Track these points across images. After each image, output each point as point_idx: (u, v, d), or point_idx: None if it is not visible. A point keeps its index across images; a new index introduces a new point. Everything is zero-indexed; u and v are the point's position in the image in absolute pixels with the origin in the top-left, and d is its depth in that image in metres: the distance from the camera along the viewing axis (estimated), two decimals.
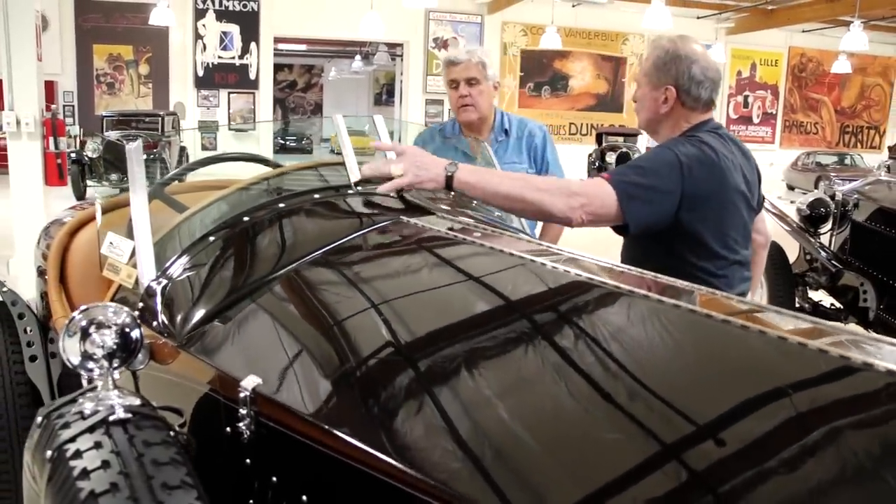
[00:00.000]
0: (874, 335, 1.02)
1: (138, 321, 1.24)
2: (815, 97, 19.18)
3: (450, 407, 0.97)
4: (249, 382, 1.08)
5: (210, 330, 1.37)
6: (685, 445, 0.82)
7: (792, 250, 4.57)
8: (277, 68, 19.54)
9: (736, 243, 1.86)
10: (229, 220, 1.69)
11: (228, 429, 1.11)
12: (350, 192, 1.76)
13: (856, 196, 4.22)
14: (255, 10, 13.85)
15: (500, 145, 2.73)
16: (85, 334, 1.17)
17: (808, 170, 15.75)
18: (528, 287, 1.30)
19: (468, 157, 2.58)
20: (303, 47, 23.80)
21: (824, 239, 4.48)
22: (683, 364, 1.00)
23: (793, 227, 4.36)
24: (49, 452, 1.01)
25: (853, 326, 3.76)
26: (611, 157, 14.34)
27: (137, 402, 1.10)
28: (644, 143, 15.38)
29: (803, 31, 17.65)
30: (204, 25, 13.67)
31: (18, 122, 5.27)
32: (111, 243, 1.66)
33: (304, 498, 1.00)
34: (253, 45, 13.94)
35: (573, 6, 15.51)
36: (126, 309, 1.24)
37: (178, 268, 1.58)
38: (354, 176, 1.78)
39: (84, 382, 1.30)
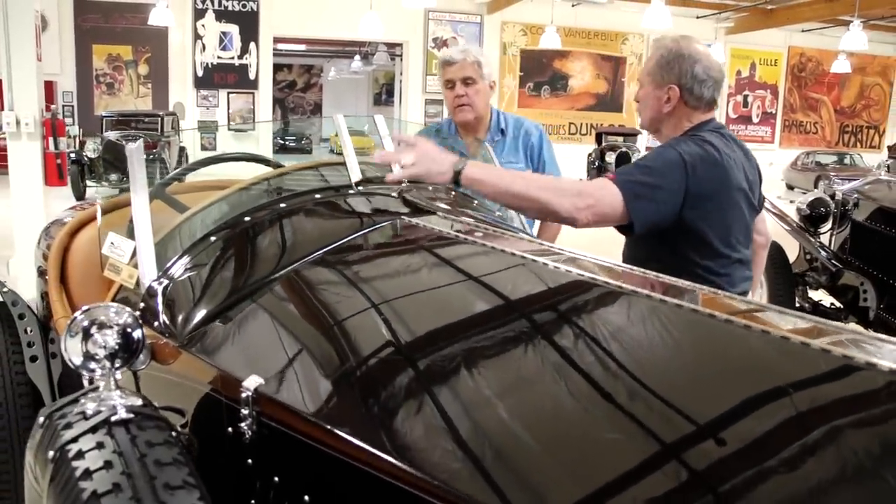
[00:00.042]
0: (876, 334, 1.02)
1: (140, 321, 1.24)
2: (815, 97, 19.19)
3: (452, 407, 0.97)
4: (251, 382, 1.08)
5: (211, 330, 1.37)
6: (689, 445, 0.82)
7: (792, 250, 4.57)
8: (277, 68, 19.54)
9: (738, 242, 1.87)
10: (230, 220, 1.69)
11: (230, 429, 1.11)
12: (351, 192, 1.76)
13: (856, 195, 4.22)
14: (255, 10, 13.85)
15: (496, 145, 2.73)
16: (87, 335, 1.17)
17: (808, 169, 15.75)
18: (529, 287, 1.30)
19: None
20: (302, 47, 23.81)
21: (824, 239, 4.48)
22: (686, 364, 1.01)
23: (793, 227, 4.36)
24: (51, 453, 1.01)
25: (854, 326, 3.76)
26: (610, 157, 14.34)
27: (139, 402, 1.10)
28: (644, 142, 15.40)
29: (803, 31, 17.66)
30: (203, 25, 13.67)
31: (18, 123, 5.27)
32: (112, 244, 1.66)
33: (307, 498, 1.00)
34: (252, 45, 13.94)
35: (573, 6, 15.50)
36: (128, 309, 1.24)
37: (179, 268, 1.58)
38: (355, 176, 1.78)
39: (85, 383, 1.30)
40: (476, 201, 2.06)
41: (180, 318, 1.45)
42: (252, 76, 14.09)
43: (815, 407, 0.86)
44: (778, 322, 1.07)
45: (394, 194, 1.76)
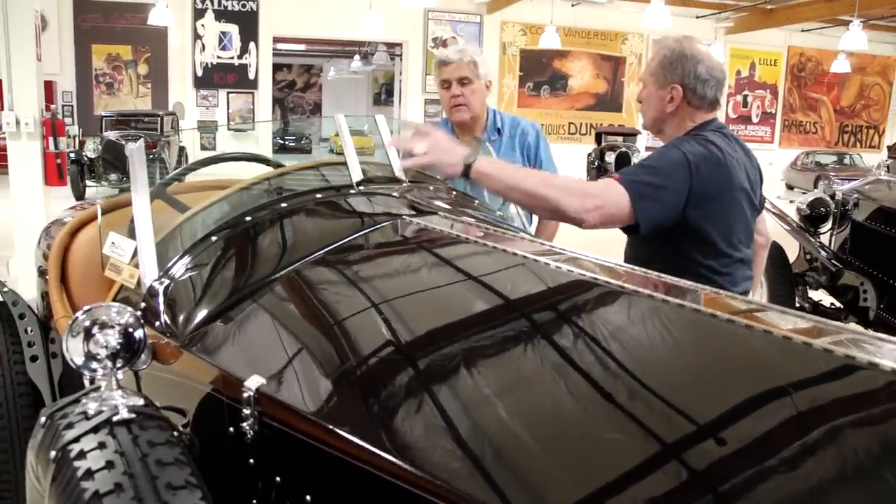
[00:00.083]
0: (877, 334, 1.02)
1: (141, 321, 1.24)
2: (815, 97, 19.19)
3: (454, 407, 0.97)
4: (253, 382, 1.08)
5: (213, 330, 1.37)
6: (693, 445, 0.82)
7: (792, 250, 4.57)
8: (276, 68, 19.53)
9: (740, 241, 1.88)
10: (231, 220, 1.69)
11: (232, 429, 1.11)
12: (352, 192, 1.76)
13: (855, 195, 4.22)
14: (254, 9, 13.85)
15: (493, 144, 2.73)
16: (88, 334, 1.17)
17: (808, 169, 15.76)
18: (530, 287, 1.30)
19: None
20: (302, 47, 23.80)
21: (824, 239, 4.48)
22: (688, 364, 1.01)
23: (793, 227, 4.36)
24: (53, 452, 1.01)
25: (854, 326, 3.76)
26: (610, 157, 14.34)
27: (141, 402, 1.10)
28: (643, 142, 15.40)
29: (802, 31, 17.66)
30: (203, 25, 13.67)
31: (18, 122, 5.27)
32: (113, 243, 1.66)
33: (308, 498, 1.00)
34: (252, 44, 13.94)
35: (572, 6, 15.50)
36: (129, 309, 1.24)
37: (180, 268, 1.58)
38: (356, 176, 1.78)
39: (86, 382, 1.30)
40: (477, 201, 2.06)
41: (181, 317, 1.45)
42: (252, 76, 14.09)
43: (818, 407, 0.86)
44: (780, 322, 1.07)
45: (395, 194, 1.77)
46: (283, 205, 1.72)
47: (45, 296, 2.32)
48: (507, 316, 1.22)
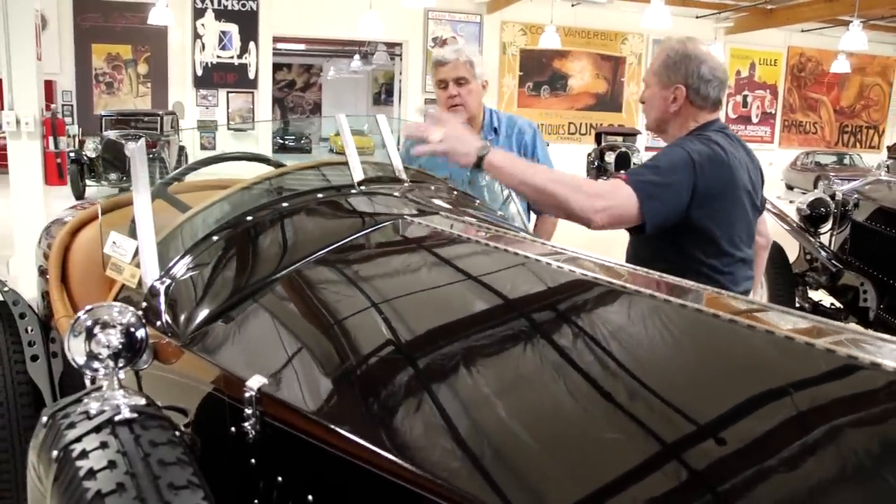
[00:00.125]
0: (879, 334, 1.02)
1: (143, 321, 1.24)
2: (815, 97, 19.19)
3: (455, 406, 0.97)
4: (255, 382, 1.08)
5: (214, 330, 1.37)
6: (695, 445, 0.82)
7: (792, 250, 4.57)
8: (276, 68, 19.53)
9: (741, 241, 1.89)
10: (232, 219, 1.69)
11: (233, 428, 1.11)
12: (353, 191, 1.76)
13: (856, 196, 4.22)
14: (254, 9, 13.85)
15: (490, 144, 2.73)
16: (90, 334, 1.17)
17: (808, 169, 15.76)
18: (532, 287, 1.30)
19: None
20: (301, 47, 23.80)
21: (824, 239, 4.48)
22: (690, 364, 1.01)
23: (793, 227, 4.36)
24: (55, 452, 1.01)
25: (854, 326, 3.76)
26: (610, 157, 14.33)
27: (143, 401, 1.10)
28: (643, 142, 15.40)
29: (802, 31, 17.66)
30: (203, 25, 13.67)
31: (18, 122, 5.27)
32: (114, 243, 1.65)
33: (310, 498, 1.00)
34: (252, 44, 13.94)
35: (572, 5, 15.50)
36: (131, 309, 1.24)
37: (181, 267, 1.58)
38: (357, 175, 1.78)
39: (87, 382, 1.30)
40: (477, 201, 2.06)
41: (183, 317, 1.45)
42: (251, 75, 14.08)
43: (820, 407, 0.86)
44: (781, 322, 1.07)
45: (396, 194, 1.77)
46: (284, 204, 1.72)
47: (45, 295, 2.32)
48: (508, 316, 1.22)
